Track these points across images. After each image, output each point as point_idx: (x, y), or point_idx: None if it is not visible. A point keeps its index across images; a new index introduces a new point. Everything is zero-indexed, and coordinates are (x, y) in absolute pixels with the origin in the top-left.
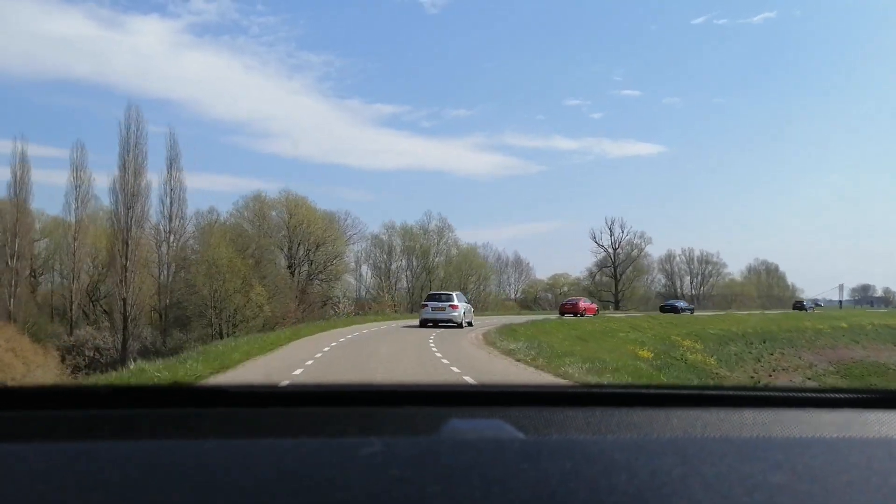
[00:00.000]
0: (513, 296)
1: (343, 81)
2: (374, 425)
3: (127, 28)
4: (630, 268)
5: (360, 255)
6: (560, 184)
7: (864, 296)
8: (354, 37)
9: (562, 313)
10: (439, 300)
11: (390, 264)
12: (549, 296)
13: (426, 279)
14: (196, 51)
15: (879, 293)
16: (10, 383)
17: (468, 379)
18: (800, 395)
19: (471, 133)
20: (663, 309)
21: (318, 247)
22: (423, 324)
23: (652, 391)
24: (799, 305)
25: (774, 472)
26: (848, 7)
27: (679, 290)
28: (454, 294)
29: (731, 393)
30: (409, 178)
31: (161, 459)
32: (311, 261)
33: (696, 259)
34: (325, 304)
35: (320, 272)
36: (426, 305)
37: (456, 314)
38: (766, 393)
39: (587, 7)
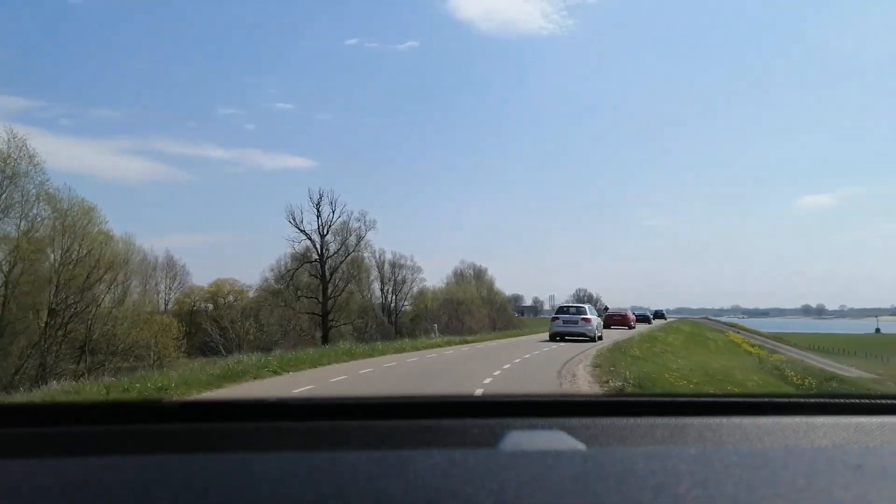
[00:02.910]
0: (163, 306)
1: None
2: (434, 437)
3: None
4: (345, 262)
5: None
6: (214, 194)
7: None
8: None
9: (607, 326)
10: (571, 313)
11: None
12: (211, 307)
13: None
14: None
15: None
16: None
17: None
18: (877, 401)
19: (116, 136)
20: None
21: None
22: (553, 337)
23: (719, 399)
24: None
25: (852, 482)
26: (475, 41)
27: (369, 299)
28: (587, 306)
29: (802, 400)
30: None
31: (227, 474)
32: None
33: (387, 262)
34: None
35: None
36: (557, 318)
37: (590, 328)
38: (843, 400)
39: (237, 16)
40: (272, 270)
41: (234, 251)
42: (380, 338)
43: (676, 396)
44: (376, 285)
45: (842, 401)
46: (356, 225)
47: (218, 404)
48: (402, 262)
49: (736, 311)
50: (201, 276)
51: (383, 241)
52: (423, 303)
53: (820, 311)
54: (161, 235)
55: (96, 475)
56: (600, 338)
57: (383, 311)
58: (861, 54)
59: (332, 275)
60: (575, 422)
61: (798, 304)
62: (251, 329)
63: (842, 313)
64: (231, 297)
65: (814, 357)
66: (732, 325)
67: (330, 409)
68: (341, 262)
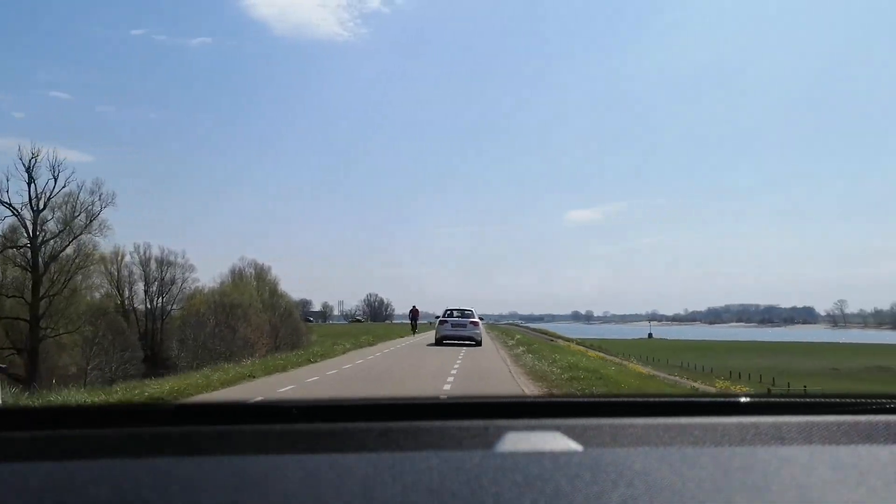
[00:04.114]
0: None
1: None
2: (430, 439)
3: None
4: (71, 247)
5: None
6: None
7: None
8: None
9: None
10: (457, 317)
11: None
12: None
13: None
14: None
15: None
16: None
17: None
18: (873, 401)
19: None
20: None
21: None
22: (440, 341)
23: (716, 400)
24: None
25: (849, 481)
26: (269, 42)
27: (131, 301)
28: (472, 310)
29: (798, 401)
30: None
31: (223, 477)
32: None
33: (153, 259)
34: None
35: None
36: (445, 322)
37: (477, 332)
38: (839, 400)
39: None
40: None
41: None
42: (117, 352)
43: (673, 397)
44: (140, 286)
45: (837, 401)
46: (88, 199)
47: (214, 407)
48: (172, 258)
49: (514, 316)
50: None
51: (155, 238)
52: (195, 306)
53: (588, 317)
54: None
55: (91, 479)
56: (480, 342)
57: (147, 317)
58: (620, 81)
59: (48, 265)
60: (571, 422)
61: (568, 311)
62: None
63: (606, 319)
64: None
65: (640, 365)
66: (543, 332)
67: (326, 411)
68: (64, 248)
